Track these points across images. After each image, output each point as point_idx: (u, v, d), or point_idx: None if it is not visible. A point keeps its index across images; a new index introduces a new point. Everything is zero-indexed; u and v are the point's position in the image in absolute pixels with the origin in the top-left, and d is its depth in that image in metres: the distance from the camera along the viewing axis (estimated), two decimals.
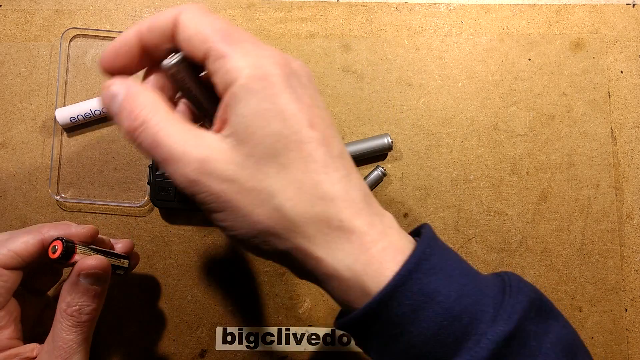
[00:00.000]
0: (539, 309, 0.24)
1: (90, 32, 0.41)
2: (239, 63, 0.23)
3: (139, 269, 0.41)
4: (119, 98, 0.25)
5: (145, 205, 0.41)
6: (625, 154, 0.42)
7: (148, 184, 0.40)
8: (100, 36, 0.41)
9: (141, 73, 0.28)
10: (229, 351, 0.41)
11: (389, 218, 0.25)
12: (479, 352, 0.22)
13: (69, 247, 0.30)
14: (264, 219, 0.23)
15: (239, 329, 0.41)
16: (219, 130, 0.24)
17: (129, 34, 0.25)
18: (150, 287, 0.41)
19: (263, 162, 0.23)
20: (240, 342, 0.41)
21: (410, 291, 0.22)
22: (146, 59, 0.27)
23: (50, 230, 0.31)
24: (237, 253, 0.41)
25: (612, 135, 0.42)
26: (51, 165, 0.41)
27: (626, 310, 0.41)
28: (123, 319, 0.41)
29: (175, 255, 0.41)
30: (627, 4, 0.42)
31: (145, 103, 0.24)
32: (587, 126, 0.42)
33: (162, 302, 0.41)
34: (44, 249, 0.31)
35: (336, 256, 0.23)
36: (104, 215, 0.41)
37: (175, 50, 0.26)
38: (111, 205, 0.41)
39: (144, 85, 0.26)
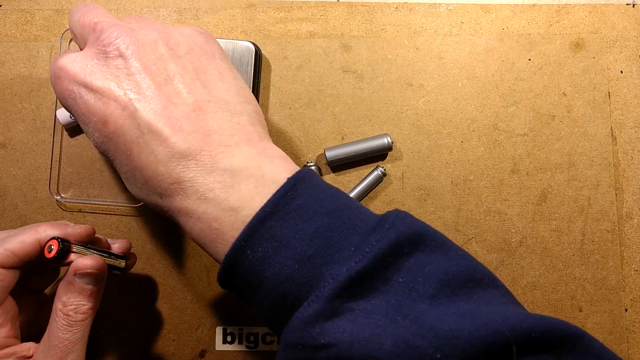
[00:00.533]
0: (417, 243, 0.23)
1: None
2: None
3: (139, 269, 0.41)
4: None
5: (145, 205, 0.41)
6: (625, 154, 0.42)
7: None
8: None
9: None
10: (229, 351, 0.41)
11: (215, 176, 0.24)
12: (322, 293, 0.21)
13: (65, 247, 0.30)
14: (149, 167, 0.25)
15: (239, 329, 0.41)
16: None
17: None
18: (150, 287, 0.41)
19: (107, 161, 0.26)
20: (240, 342, 0.41)
21: (263, 238, 0.23)
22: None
23: (47, 230, 0.31)
24: None
25: (612, 135, 0.42)
26: (51, 165, 0.41)
27: (626, 310, 0.41)
28: (123, 319, 0.41)
29: (175, 255, 0.41)
30: (627, 4, 0.42)
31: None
32: (587, 126, 0.42)
33: (162, 302, 0.41)
34: (40, 248, 0.31)
35: (192, 229, 0.25)
36: (104, 215, 0.41)
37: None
38: (111, 205, 0.41)
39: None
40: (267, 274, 0.23)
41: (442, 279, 0.22)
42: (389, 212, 0.25)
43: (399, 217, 0.24)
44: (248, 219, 0.23)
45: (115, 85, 0.25)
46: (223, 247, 0.24)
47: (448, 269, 0.22)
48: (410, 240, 0.23)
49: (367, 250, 0.22)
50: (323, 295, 0.21)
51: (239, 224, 0.23)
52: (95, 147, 0.27)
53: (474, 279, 0.23)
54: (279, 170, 0.25)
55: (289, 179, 0.24)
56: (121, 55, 0.26)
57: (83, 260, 0.31)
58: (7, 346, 0.30)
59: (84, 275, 0.31)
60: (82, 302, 0.31)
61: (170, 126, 0.24)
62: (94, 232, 0.33)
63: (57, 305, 0.31)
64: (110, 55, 0.26)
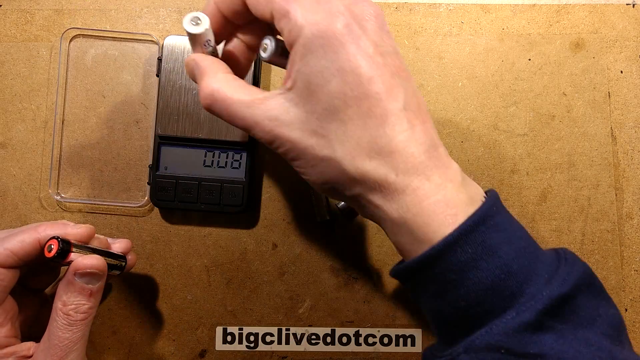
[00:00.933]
0: (590, 284, 0.25)
1: (90, 32, 0.41)
2: (299, 21, 0.24)
3: (139, 269, 0.41)
4: (195, 72, 0.28)
5: (145, 205, 0.41)
6: (625, 154, 0.42)
7: (148, 184, 0.40)
8: (100, 36, 0.41)
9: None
10: (229, 351, 0.41)
11: (453, 170, 0.25)
12: (534, 305, 0.23)
13: (65, 246, 0.30)
14: (329, 173, 0.25)
15: (239, 329, 0.41)
16: (283, 84, 0.25)
17: (210, 6, 0.28)
18: (150, 287, 0.41)
19: (324, 118, 0.24)
20: (240, 342, 0.41)
21: (475, 242, 0.24)
22: (228, 21, 0.28)
23: (47, 229, 0.31)
24: (237, 253, 0.41)
25: (612, 135, 0.42)
26: (51, 165, 0.41)
27: (626, 310, 0.41)
28: (123, 319, 0.41)
29: (175, 255, 0.41)
30: (627, 4, 0.42)
31: (214, 78, 0.27)
32: (587, 126, 0.42)
33: (162, 302, 0.41)
34: (40, 247, 0.31)
35: (391, 205, 0.25)
36: (103, 215, 0.41)
37: (270, 33, 0.28)
38: (111, 205, 0.41)
39: (211, 60, 0.28)
40: (470, 275, 0.23)
41: (612, 323, 0.24)
42: (561, 249, 0.27)
43: (574, 255, 0.26)
44: (462, 220, 0.24)
45: (382, 53, 0.25)
46: (436, 230, 0.24)
47: (615, 315, 0.25)
48: (587, 279, 0.25)
49: (565, 278, 0.24)
50: (536, 307, 0.23)
51: (459, 219, 0.24)
52: (308, 93, 0.25)
53: (625, 330, 0.26)
54: (476, 184, 0.27)
55: (489, 195, 0.26)
56: (382, 29, 0.26)
57: (83, 260, 0.31)
58: (7, 346, 0.30)
59: (84, 274, 0.31)
60: (82, 302, 0.31)
61: (420, 115, 0.25)
62: (94, 232, 0.33)
63: (57, 304, 0.31)
64: (377, 25, 0.25)
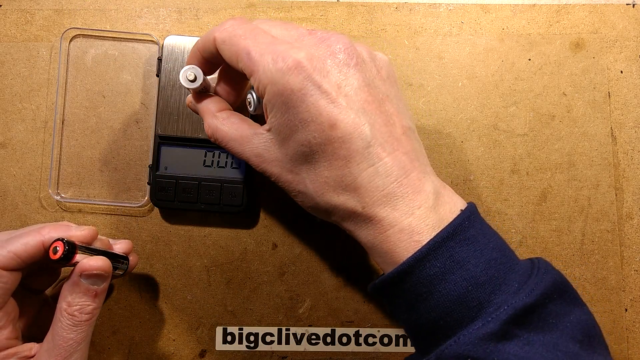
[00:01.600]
0: (563, 292, 0.26)
1: (90, 32, 0.41)
2: (263, 81, 0.26)
3: (139, 268, 0.41)
4: (196, 111, 0.33)
5: (145, 205, 0.41)
6: (625, 154, 0.42)
7: (148, 184, 0.40)
8: (100, 36, 0.41)
9: None
10: (229, 351, 0.41)
11: (424, 194, 0.26)
12: (498, 316, 0.24)
13: (70, 248, 0.30)
14: (307, 202, 0.29)
15: (239, 329, 0.41)
16: (266, 126, 0.29)
17: (194, 51, 0.31)
18: (150, 287, 0.41)
19: (295, 160, 0.27)
20: (240, 342, 0.41)
21: (443, 256, 0.25)
22: (213, 64, 0.32)
23: (51, 232, 0.31)
24: (237, 253, 0.41)
25: (612, 135, 0.42)
26: (51, 165, 0.41)
27: (626, 310, 0.41)
28: (123, 319, 0.41)
29: (175, 255, 0.41)
30: (627, 4, 0.42)
31: (209, 115, 0.31)
32: (587, 126, 0.42)
33: (162, 302, 0.41)
34: (44, 250, 0.31)
35: (361, 232, 0.27)
36: (104, 215, 0.41)
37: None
38: (111, 205, 0.41)
39: (207, 98, 0.32)
40: (439, 288, 0.25)
41: (584, 329, 0.25)
42: (537, 258, 0.28)
43: (548, 264, 0.27)
44: (430, 237, 0.25)
45: (346, 93, 0.26)
46: (400, 255, 0.26)
47: (587, 322, 0.26)
48: (558, 287, 0.26)
49: (534, 288, 0.24)
50: (500, 318, 0.24)
51: (422, 244, 0.25)
52: (281, 139, 0.27)
53: (599, 335, 0.27)
54: (455, 199, 0.28)
55: (464, 209, 0.27)
56: (348, 64, 0.26)
57: (89, 262, 0.31)
58: (8, 347, 0.30)
59: (90, 276, 0.31)
60: (87, 303, 0.31)
61: (391, 145, 0.26)
62: (97, 234, 0.33)
63: (62, 305, 0.31)
64: (341, 62, 0.26)
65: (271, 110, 0.27)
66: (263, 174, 0.30)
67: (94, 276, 0.31)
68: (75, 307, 0.31)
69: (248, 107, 0.31)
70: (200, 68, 0.31)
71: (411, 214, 0.26)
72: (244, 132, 0.30)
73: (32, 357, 0.31)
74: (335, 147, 0.26)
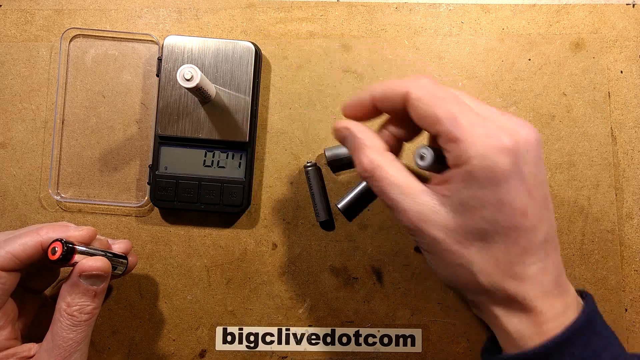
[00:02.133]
0: None
1: (90, 32, 0.41)
2: (468, 152, 0.26)
3: (139, 269, 0.41)
4: (349, 143, 0.30)
5: (145, 205, 0.41)
6: (625, 154, 0.42)
7: (148, 184, 0.40)
8: (100, 36, 0.41)
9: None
10: (229, 351, 0.41)
11: (571, 296, 0.28)
12: None
13: (69, 249, 0.30)
14: (460, 277, 0.28)
15: (239, 329, 0.41)
16: (437, 184, 0.28)
17: (365, 97, 0.30)
18: (150, 287, 0.41)
19: (470, 234, 0.27)
20: (240, 342, 0.41)
21: (580, 345, 0.26)
22: (378, 112, 0.31)
23: (49, 232, 0.31)
24: (237, 253, 0.41)
25: (612, 135, 0.42)
26: (51, 165, 0.41)
27: (626, 310, 0.41)
28: (123, 319, 0.41)
29: (175, 255, 0.41)
30: (627, 4, 0.42)
31: (373, 157, 0.29)
32: (587, 126, 0.42)
33: (162, 302, 0.41)
34: (42, 250, 0.31)
35: (510, 321, 0.28)
36: (104, 215, 0.41)
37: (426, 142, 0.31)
38: (111, 205, 0.41)
39: (369, 132, 0.30)
40: None
41: None
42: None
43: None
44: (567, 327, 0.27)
45: (536, 186, 0.27)
46: (527, 343, 0.27)
47: None
48: None
49: None
50: None
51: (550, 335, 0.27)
52: (463, 209, 0.27)
53: None
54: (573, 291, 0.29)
55: (586, 303, 0.28)
56: (540, 158, 0.27)
57: (88, 262, 0.31)
58: (8, 347, 0.30)
59: (89, 276, 0.31)
60: (87, 303, 0.31)
61: (554, 244, 0.28)
62: (96, 234, 0.33)
63: (62, 305, 0.31)
64: (537, 155, 0.27)
65: (465, 181, 0.26)
66: (411, 232, 0.28)
67: (93, 276, 0.31)
68: (74, 307, 0.31)
69: (417, 160, 0.29)
70: (356, 114, 0.31)
71: (564, 314, 0.27)
72: (413, 183, 0.28)
73: (32, 357, 0.31)
74: (519, 234, 0.26)
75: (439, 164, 0.29)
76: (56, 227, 0.32)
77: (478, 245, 0.27)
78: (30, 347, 0.31)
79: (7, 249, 0.30)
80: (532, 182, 0.26)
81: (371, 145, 0.29)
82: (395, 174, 0.28)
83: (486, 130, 0.26)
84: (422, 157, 0.29)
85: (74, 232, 0.32)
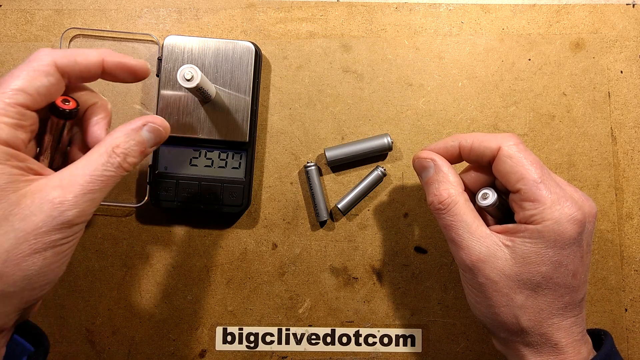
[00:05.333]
0: None
1: (90, 32, 0.41)
2: (544, 214, 0.29)
3: (139, 268, 0.41)
4: (429, 172, 0.33)
5: (145, 205, 0.41)
6: (625, 154, 0.42)
7: (148, 184, 0.40)
8: (100, 36, 0.41)
9: None
10: (229, 351, 0.41)
11: (589, 343, 0.31)
12: None
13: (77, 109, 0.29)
14: (503, 317, 0.30)
15: (239, 329, 0.41)
16: (500, 232, 0.31)
17: (453, 144, 0.33)
18: (150, 287, 0.41)
19: (523, 285, 0.29)
20: (240, 342, 0.41)
21: None
22: (459, 160, 0.34)
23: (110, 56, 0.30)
24: (237, 253, 0.41)
25: (612, 135, 0.42)
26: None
27: (626, 310, 0.41)
28: (123, 319, 0.41)
29: (175, 255, 0.41)
30: (627, 4, 0.42)
31: (451, 190, 0.32)
32: (587, 126, 0.42)
33: (162, 302, 0.41)
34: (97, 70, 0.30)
35: (536, 358, 0.30)
36: (103, 215, 0.41)
37: (489, 184, 0.33)
38: (111, 205, 0.41)
39: (453, 169, 0.33)
40: None
41: None
42: None
43: None
44: None
45: (587, 253, 0.31)
46: None
47: None
48: None
49: None
50: None
51: None
52: (522, 260, 0.30)
53: None
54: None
55: (605, 348, 0.31)
56: (593, 232, 0.31)
57: (159, 118, 0.30)
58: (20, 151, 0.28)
59: (152, 130, 0.30)
60: (134, 154, 0.29)
61: (584, 303, 0.32)
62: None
63: (112, 143, 0.29)
64: (592, 229, 0.31)
65: (533, 237, 0.29)
66: (466, 268, 0.31)
67: (155, 131, 0.30)
68: (123, 150, 0.29)
69: (480, 199, 0.32)
70: (440, 155, 0.33)
71: (587, 358, 0.30)
72: (480, 226, 0.31)
73: (40, 174, 0.28)
74: (565, 292, 0.30)
75: (498, 210, 0.32)
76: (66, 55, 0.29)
77: (527, 293, 0.30)
78: (43, 166, 0.29)
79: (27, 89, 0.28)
80: (585, 249, 0.30)
81: (453, 182, 0.32)
82: (467, 213, 0.31)
83: (562, 200, 0.29)
84: (484, 197, 0.32)
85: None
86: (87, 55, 0.29)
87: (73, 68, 0.29)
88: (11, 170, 0.26)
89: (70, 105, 0.29)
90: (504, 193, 0.33)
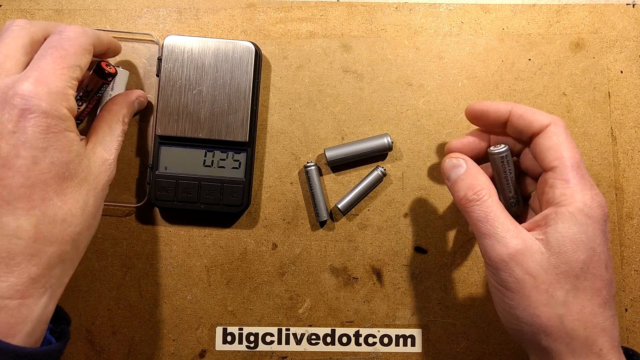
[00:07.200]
0: None
1: None
2: (576, 195, 0.29)
3: (139, 268, 0.41)
4: (460, 170, 0.33)
5: (145, 205, 0.41)
6: (625, 154, 0.42)
7: (148, 183, 0.40)
8: None
9: None
10: (229, 351, 0.41)
11: (622, 354, 0.30)
12: None
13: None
14: (543, 317, 0.28)
15: (239, 329, 0.41)
16: (530, 229, 0.30)
17: (507, 108, 0.33)
18: (150, 287, 0.41)
19: (562, 278, 0.28)
20: (240, 342, 0.41)
21: None
22: (500, 127, 0.34)
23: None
24: (237, 253, 0.41)
25: (612, 135, 0.42)
26: None
27: (626, 310, 0.41)
28: (123, 319, 0.41)
29: (175, 255, 0.41)
30: (627, 4, 0.42)
31: (484, 183, 0.31)
32: (587, 126, 0.42)
33: (162, 302, 0.41)
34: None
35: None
36: (104, 215, 0.41)
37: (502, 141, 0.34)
38: (111, 205, 0.41)
39: (480, 169, 0.33)
40: None
41: None
42: None
43: None
44: None
45: (610, 249, 0.31)
46: None
47: None
48: None
49: None
50: None
51: None
52: (558, 250, 0.29)
53: None
54: None
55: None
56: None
57: (142, 92, 0.39)
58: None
59: (141, 103, 0.39)
60: (127, 120, 0.37)
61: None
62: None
63: (121, 113, 0.36)
64: (607, 223, 0.31)
65: (566, 220, 0.29)
66: (497, 266, 0.29)
67: (141, 102, 0.39)
68: (127, 119, 0.36)
69: (493, 148, 0.34)
70: (484, 122, 0.35)
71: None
72: (512, 221, 0.30)
73: (82, 139, 0.32)
74: (602, 285, 0.29)
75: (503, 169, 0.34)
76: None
77: (567, 288, 0.28)
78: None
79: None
80: (609, 244, 0.30)
81: (484, 178, 0.32)
82: (500, 207, 0.31)
83: (591, 186, 0.30)
84: (497, 146, 0.33)
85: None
86: (103, 38, 0.35)
87: (100, 48, 0.34)
88: (77, 137, 0.30)
89: (112, 69, 0.36)
90: (531, 177, 0.34)
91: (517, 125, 0.33)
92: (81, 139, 0.31)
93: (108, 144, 0.33)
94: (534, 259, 0.29)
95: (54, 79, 0.29)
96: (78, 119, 0.37)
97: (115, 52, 0.37)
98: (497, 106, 0.34)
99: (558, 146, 0.30)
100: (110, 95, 0.39)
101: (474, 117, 0.35)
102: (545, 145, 0.31)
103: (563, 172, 0.30)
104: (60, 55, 0.30)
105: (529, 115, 0.32)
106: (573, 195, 0.29)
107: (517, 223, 0.30)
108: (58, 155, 0.28)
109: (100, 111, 0.37)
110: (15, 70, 0.29)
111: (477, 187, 0.31)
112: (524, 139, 0.33)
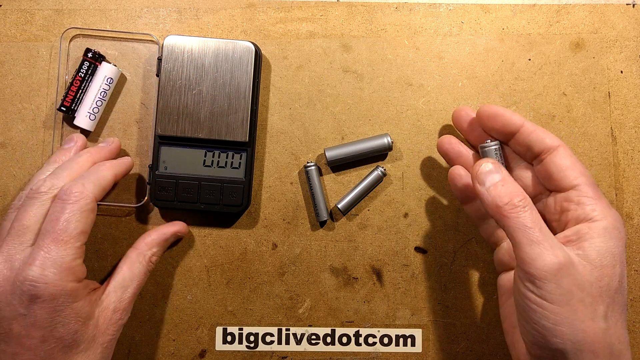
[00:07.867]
0: None
1: (90, 32, 0.41)
2: (606, 211, 0.30)
3: None
4: (498, 176, 0.31)
5: (145, 205, 0.41)
6: (625, 154, 0.42)
7: (148, 184, 0.40)
8: (100, 36, 0.41)
9: None
10: (229, 351, 0.41)
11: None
12: None
13: None
14: (589, 332, 0.27)
15: (239, 329, 0.41)
16: (564, 243, 0.30)
17: (520, 122, 0.34)
18: (150, 287, 0.41)
19: (605, 292, 0.28)
20: (240, 342, 0.41)
21: None
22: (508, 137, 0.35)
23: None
24: (237, 253, 0.41)
25: (612, 135, 0.42)
26: None
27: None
28: None
29: (175, 255, 0.41)
30: (627, 4, 0.42)
31: (522, 191, 0.31)
32: (587, 126, 0.42)
33: (162, 302, 0.41)
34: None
35: None
36: (104, 215, 0.41)
37: (494, 138, 0.36)
38: (111, 205, 0.41)
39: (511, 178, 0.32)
40: None
41: None
42: None
43: None
44: None
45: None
46: None
47: None
48: None
49: None
50: None
51: None
52: (599, 264, 0.29)
53: None
54: None
55: None
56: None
57: (185, 228, 0.40)
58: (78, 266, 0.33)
59: (178, 237, 0.40)
60: (158, 258, 0.39)
61: None
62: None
63: (148, 253, 0.37)
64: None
65: (602, 235, 0.29)
66: (532, 278, 0.28)
67: (179, 238, 0.40)
68: (155, 257, 0.38)
69: (484, 143, 0.35)
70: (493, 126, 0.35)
71: None
72: (551, 234, 0.29)
73: (96, 289, 0.34)
74: (624, 299, 0.29)
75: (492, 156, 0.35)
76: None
77: (607, 302, 0.28)
78: (95, 283, 0.35)
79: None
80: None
81: (520, 186, 0.31)
82: (539, 217, 0.30)
83: (608, 204, 0.31)
84: (487, 141, 0.35)
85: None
86: (107, 178, 0.35)
87: (102, 194, 0.35)
88: (86, 302, 0.32)
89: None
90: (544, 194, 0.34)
91: (529, 140, 0.33)
92: (94, 290, 0.34)
93: (124, 290, 0.35)
94: (579, 272, 0.28)
95: (59, 257, 0.31)
96: (65, 101, 0.39)
97: (125, 173, 0.38)
98: (512, 115, 0.34)
99: (575, 165, 0.31)
100: (106, 90, 0.39)
101: (487, 116, 0.35)
102: (563, 164, 0.32)
103: (588, 190, 0.30)
104: (62, 228, 0.31)
105: (541, 132, 0.33)
106: (603, 211, 0.30)
107: (552, 239, 0.29)
108: (63, 330, 0.31)
109: (129, 250, 0.38)
110: (31, 242, 0.32)
111: (521, 193, 0.30)
112: (529, 155, 0.34)
